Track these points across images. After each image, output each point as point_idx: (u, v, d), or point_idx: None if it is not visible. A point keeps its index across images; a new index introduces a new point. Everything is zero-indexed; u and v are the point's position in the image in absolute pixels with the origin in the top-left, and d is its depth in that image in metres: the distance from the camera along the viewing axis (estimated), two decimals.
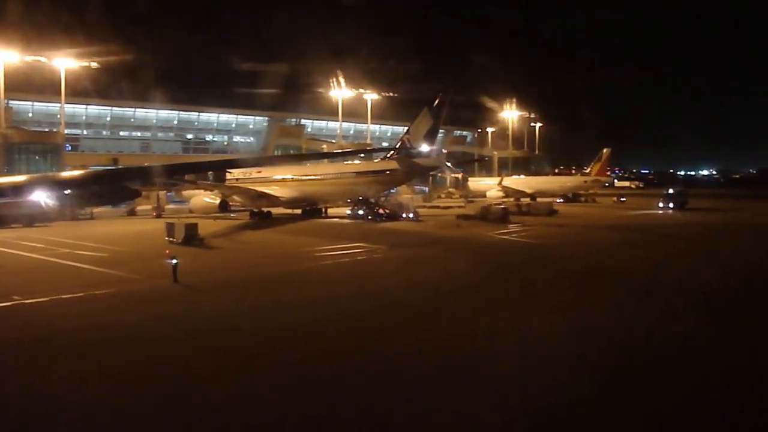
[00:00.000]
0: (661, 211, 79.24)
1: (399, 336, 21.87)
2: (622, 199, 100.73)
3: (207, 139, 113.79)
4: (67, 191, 43.18)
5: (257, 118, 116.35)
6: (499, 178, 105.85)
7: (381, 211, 67.48)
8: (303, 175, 69.26)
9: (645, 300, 27.63)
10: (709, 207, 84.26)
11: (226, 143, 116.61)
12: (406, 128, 70.12)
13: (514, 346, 20.43)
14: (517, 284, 32.15)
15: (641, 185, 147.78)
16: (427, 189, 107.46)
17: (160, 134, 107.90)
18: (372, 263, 39.31)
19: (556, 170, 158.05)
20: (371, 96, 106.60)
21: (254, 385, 17.07)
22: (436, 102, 65.69)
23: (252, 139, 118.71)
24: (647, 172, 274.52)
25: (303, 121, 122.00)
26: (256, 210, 69.95)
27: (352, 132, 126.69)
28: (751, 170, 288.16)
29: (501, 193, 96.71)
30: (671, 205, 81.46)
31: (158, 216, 71.44)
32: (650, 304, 26.91)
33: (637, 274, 35.52)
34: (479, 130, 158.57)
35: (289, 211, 71.92)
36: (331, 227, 61.52)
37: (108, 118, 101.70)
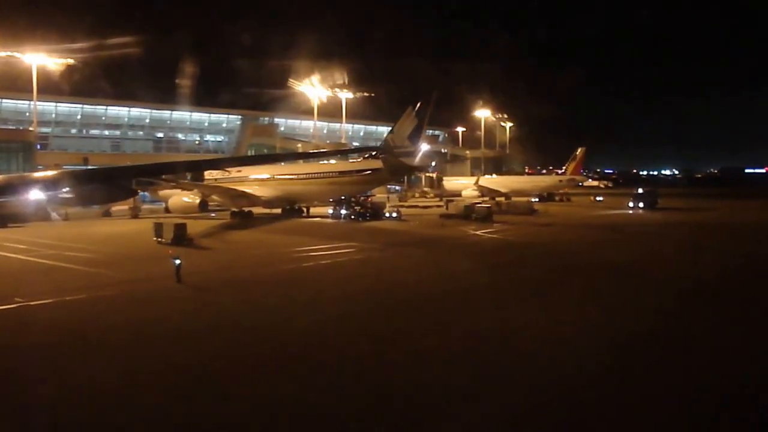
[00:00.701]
0: (631, 211, 79.73)
1: (433, 327, 21.96)
2: (599, 198, 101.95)
3: (179, 137, 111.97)
4: (64, 190, 42.34)
5: (230, 116, 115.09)
6: (475, 178, 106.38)
7: (364, 210, 67.46)
8: (285, 174, 68.59)
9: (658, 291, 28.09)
10: (679, 207, 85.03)
11: (197, 142, 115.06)
12: (390, 127, 70.07)
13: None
14: (517, 282, 32.24)
15: (610, 185, 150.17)
16: (399, 188, 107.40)
17: (131, 133, 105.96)
18: (371, 262, 39.14)
19: (527, 170, 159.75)
20: (345, 95, 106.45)
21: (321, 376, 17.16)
22: (421, 102, 65.74)
23: (223, 138, 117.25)
24: (611, 172, 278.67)
25: (276, 120, 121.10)
26: (236, 210, 69.17)
27: (325, 131, 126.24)
28: (712, 170, 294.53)
29: (477, 193, 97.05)
30: (641, 204, 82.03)
31: (135, 216, 70.17)
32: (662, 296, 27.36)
33: (639, 269, 36.09)
34: (451, 130, 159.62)
35: (267, 210, 71.17)
36: (317, 227, 61.16)
37: (78, 116, 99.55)
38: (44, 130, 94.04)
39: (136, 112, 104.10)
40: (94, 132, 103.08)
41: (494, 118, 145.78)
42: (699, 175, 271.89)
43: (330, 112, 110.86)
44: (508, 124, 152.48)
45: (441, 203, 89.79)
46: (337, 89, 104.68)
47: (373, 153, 66.65)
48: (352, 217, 66.72)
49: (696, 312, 25.37)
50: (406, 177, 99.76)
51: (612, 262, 38.92)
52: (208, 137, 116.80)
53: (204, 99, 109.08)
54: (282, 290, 29.57)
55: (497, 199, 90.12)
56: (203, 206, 66.90)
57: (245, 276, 33.48)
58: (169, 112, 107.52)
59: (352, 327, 23.02)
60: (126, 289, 29.44)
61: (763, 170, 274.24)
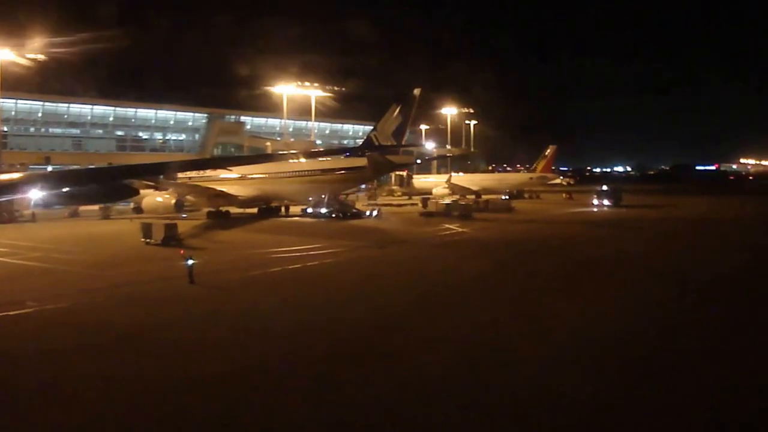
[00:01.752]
0: (596, 208, 79.53)
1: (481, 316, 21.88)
2: (569, 195, 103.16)
3: (143, 136, 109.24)
4: (65, 189, 41.05)
5: (196, 114, 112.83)
6: (444, 176, 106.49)
7: (345, 209, 67.10)
8: (263, 173, 67.34)
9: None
10: (643, 203, 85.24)
11: (161, 141, 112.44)
12: (373, 126, 69.51)
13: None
14: (538, 275, 32.36)
15: (572, 182, 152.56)
16: (363, 186, 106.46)
17: (94, 131, 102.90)
18: (376, 259, 39.18)
19: (490, 167, 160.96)
20: (315, 92, 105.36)
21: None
22: (406, 99, 65.42)
23: (184, 136, 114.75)
24: (566, 169, 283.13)
25: (242, 118, 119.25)
26: (213, 209, 67.81)
27: (291, 129, 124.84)
28: (663, 167, 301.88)
29: (447, 191, 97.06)
30: (606, 201, 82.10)
31: (106, 217, 68.01)
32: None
33: (651, 262, 36.74)
34: (415, 127, 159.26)
35: (240, 210, 69.88)
36: (301, 226, 60.51)
37: (39, 114, 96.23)
38: (2, 128, 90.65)
39: (100, 109, 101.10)
40: (56, 130, 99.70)
41: (461, 115, 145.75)
42: (652, 172, 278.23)
43: (294, 109, 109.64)
44: (473, 122, 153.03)
45: (411, 202, 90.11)
46: (305, 87, 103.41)
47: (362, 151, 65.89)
48: (333, 216, 66.17)
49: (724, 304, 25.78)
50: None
51: (621, 255, 39.84)
52: (173, 136, 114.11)
53: (169, 96, 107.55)
54: (308, 288, 29.32)
55: (468, 196, 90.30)
56: (179, 206, 65.29)
57: (256, 275, 32.80)
58: (134, 109, 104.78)
59: (397, 318, 23.07)
60: (143, 290, 28.51)
61: (713, 167, 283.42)
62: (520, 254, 41.36)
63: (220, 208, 68.05)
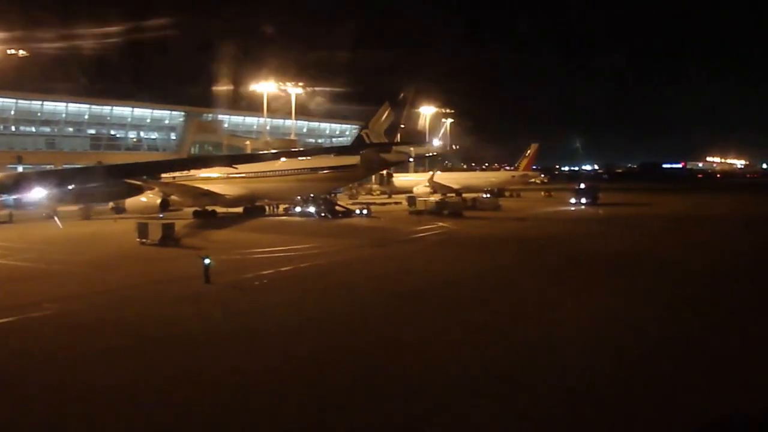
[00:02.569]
0: (573, 207, 78.02)
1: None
2: (548, 193, 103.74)
3: (118, 135, 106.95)
4: (71, 187, 40.17)
5: (173, 112, 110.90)
6: (424, 174, 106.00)
7: (334, 208, 66.62)
8: (251, 171, 66.22)
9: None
10: (621, 202, 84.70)
11: (136, 140, 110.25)
12: (360, 125, 69.07)
13: None
14: (560, 271, 32.27)
15: (546, 180, 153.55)
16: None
17: (68, 129, 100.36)
18: (384, 257, 38.96)
19: (464, 165, 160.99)
20: (295, 90, 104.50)
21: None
22: (399, 98, 65.27)
23: (158, 135, 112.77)
24: (535, 168, 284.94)
25: (219, 117, 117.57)
26: (199, 209, 66.62)
27: (268, 128, 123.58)
28: (630, 165, 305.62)
29: (429, 189, 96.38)
30: (584, 200, 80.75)
31: (87, 218, 66.01)
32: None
33: (644, 258, 36.77)
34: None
35: (224, 210, 68.84)
36: (294, 225, 59.83)
37: (12, 112, 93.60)
38: None
39: (75, 107, 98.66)
40: (28, 129, 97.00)
41: (437, 114, 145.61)
42: (620, 170, 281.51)
43: (272, 108, 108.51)
44: (449, 120, 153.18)
45: (393, 200, 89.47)
46: (286, 85, 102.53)
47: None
48: (322, 215, 65.56)
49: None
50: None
51: (624, 252, 40.06)
52: (151, 134, 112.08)
53: (145, 94, 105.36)
54: (331, 283, 29.53)
55: (448, 195, 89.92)
56: (164, 206, 63.98)
57: (270, 274, 32.13)
58: (110, 107, 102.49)
59: (433, 305, 23.52)
60: (160, 290, 27.80)
61: (680, 165, 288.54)
62: (526, 251, 41.40)
63: (207, 208, 66.96)
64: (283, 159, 65.81)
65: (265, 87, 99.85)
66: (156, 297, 26.71)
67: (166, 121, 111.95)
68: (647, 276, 31.13)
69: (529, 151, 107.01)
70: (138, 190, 59.79)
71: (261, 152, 76.69)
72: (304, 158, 65.96)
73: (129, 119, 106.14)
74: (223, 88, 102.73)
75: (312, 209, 66.48)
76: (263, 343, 19.90)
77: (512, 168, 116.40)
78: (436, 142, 67.62)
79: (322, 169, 64.31)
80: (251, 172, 66.75)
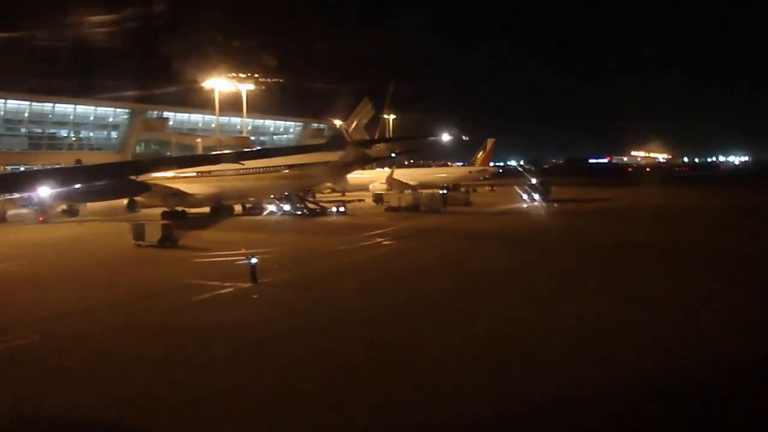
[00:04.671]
0: (525, 205, 74.38)
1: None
2: (492, 188, 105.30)
3: (60, 133, 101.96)
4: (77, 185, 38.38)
5: (117, 110, 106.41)
6: (377, 171, 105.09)
7: (313, 206, 65.66)
8: (224, 170, 64.03)
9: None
10: (570, 198, 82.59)
11: (74, 138, 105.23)
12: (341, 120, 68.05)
13: None
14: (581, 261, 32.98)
15: (487, 176, 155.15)
16: None
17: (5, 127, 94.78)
18: (411, 250, 39.61)
19: (406, 162, 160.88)
20: (247, 86, 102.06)
21: None
22: (379, 92, 64.65)
23: (97, 133, 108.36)
24: (461, 164, 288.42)
25: (165, 114, 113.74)
26: (168, 209, 64.04)
27: (213, 125, 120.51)
28: (554, 160, 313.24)
29: (385, 186, 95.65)
30: (537, 197, 77.41)
31: (45, 221, 62.19)
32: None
33: (661, 247, 38.21)
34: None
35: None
36: (280, 224, 58.93)
37: None
38: None
39: (14, 104, 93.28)
40: None
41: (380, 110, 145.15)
42: (546, 166, 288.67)
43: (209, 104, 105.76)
44: (392, 116, 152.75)
45: (347, 198, 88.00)
46: (237, 81, 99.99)
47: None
48: (298, 213, 64.41)
49: None
50: None
51: (634, 243, 41.17)
52: (93, 132, 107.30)
53: (88, 91, 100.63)
54: (373, 274, 30.26)
55: (405, 191, 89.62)
56: (132, 206, 61.24)
57: (312, 271, 31.69)
58: (51, 104, 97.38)
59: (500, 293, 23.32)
60: (215, 294, 26.46)
61: (606, 160, 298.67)
62: (533, 243, 42.16)
63: (176, 208, 64.51)
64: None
65: (216, 83, 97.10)
66: (222, 299, 25.70)
67: (110, 119, 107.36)
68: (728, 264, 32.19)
69: (487, 146, 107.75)
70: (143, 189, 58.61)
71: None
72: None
73: (71, 117, 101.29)
74: (169, 84, 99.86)
75: (286, 208, 65.24)
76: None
77: (466, 164, 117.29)
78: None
79: (300, 166, 62.74)
80: (223, 171, 64.75)
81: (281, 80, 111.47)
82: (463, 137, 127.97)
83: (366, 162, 69.65)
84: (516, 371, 16.51)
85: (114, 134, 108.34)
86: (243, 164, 51.41)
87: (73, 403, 14.86)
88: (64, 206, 65.53)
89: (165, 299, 25.49)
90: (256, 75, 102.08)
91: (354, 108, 71.40)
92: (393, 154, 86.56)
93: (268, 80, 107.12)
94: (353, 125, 64.02)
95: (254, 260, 28.20)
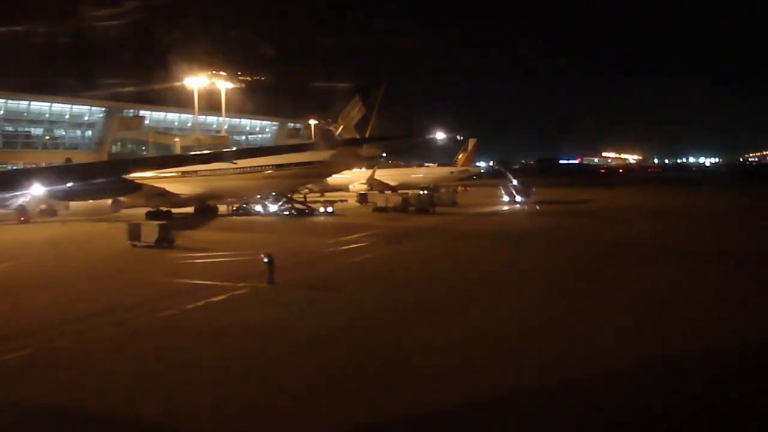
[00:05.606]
0: (507, 206, 73.42)
1: None
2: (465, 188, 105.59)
3: (34, 131, 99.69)
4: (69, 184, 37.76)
5: (93, 108, 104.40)
6: (360, 171, 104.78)
7: (300, 206, 65.31)
8: (211, 169, 63.03)
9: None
10: (554, 199, 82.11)
11: (47, 137, 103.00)
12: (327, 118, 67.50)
13: None
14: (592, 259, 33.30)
15: (470, 177, 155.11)
16: None
17: None
18: (413, 251, 39.44)
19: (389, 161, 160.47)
20: (226, 85, 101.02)
21: None
22: (370, 90, 64.21)
23: (78, 132, 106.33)
24: (430, 165, 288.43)
25: (141, 113, 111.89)
26: (153, 209, 62.91)
27: (189, 125, 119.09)
28: (523, 161, 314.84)
29: (365, 186, 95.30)
30: (518, 197, 76.06)
31: (26, 221, 60.56)
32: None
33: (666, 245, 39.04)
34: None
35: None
36: (271, 224, 58.33)
37: None
38: None
39: None
40: None
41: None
42: (516, 166, 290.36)
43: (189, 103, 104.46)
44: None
45: (327, 199, 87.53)
46: (216, 79, 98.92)
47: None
48: (286, 213, 63.97)
49: None
50: None
51: (634, 242, 41.68)
52: (65, 131, 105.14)
53: (62, 89, 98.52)
54: (390, 275, 30.09)
55: (385, 192, 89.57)
56: (116, 206, 60.14)
57: (328, 271, 31.70)
58: (27, 102, 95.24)
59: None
60: (235, 294, 25.92)
61: (576, 161, 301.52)
62: (534, 242, 42.57)
63: (161, 208, 63.43)
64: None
65: (195, 82, 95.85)
66: (246, 299, 25.38)
67: (86, 118, 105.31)
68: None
69: (468, 146, 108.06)
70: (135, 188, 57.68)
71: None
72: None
73: (47, 115, 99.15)
74: (146, 82, 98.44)
75: (273, 208, 64.74)
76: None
77: (440, 164, 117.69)
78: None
79: (288, 166, 62.09)
80: (209, 169, 63.84)
81: (260, 78, 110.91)
82: (458, 136, 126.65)
83: (357, 162, 69.29)
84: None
85: (89, 133, 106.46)
86: (236, 163, 50.79)
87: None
88: (43, 206, 64.22)
89: (184, 300, 24.88)
90: (237, 73, 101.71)
91: (334, 107, 70.97)
92: (384, 155, 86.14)
93: (246, 79, 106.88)
94: (342, 126, 63.61)
95: (266, 259, 27.78)
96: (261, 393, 15.35)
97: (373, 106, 64.45)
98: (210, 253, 38.23)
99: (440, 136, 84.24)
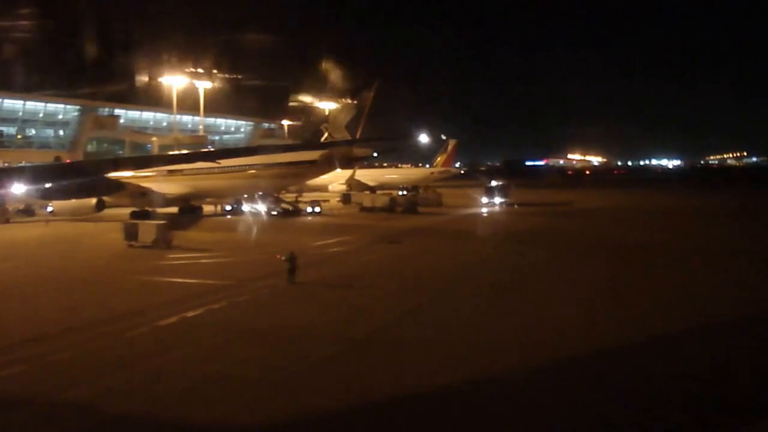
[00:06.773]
0: (486, 209, 72.63)
1: None
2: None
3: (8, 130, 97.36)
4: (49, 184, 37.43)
5: (68, 106, 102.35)
6: (348, 172, 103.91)
7: (287, 206, 65.05)
8: (197, 167, 62.04)
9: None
10: (531, 201, 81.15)
11: (19, 136, 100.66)
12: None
13: None
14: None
15: (449, 177, 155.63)
16: None
17: None
18: (420, 250, 39.78)
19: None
20: (204, 84, 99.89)
21: None
22: (360, 91, 64.21)
23: (51, 131, 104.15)
24: (409, 165, 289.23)
25: (116, 111, 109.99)
26: (138, 209, 61.95)
27: (165, 124, 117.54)
28: (489, 163, 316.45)
29: (344, 187, 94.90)
30: (497, 199, 75.99)
31: (6, 221, 59.20)
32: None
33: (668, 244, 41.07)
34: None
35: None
36: (262, 224, 57.36)
37: None
38: None
39: None
40: None
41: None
42: (483, 168, 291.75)
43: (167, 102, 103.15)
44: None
45: (319, 198, 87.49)
46: (193, 78, 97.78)
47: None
48: (274, 213, 63.51)
49: None
50: None
51: (631, 241, 42.82)
52: (38, 130, 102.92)
53: (36, 87, 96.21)
54: (408, 274, 30.44)
55: (365, 192, 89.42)
56: (100, 206, 59.07)
57: (340, 271, 31.80)
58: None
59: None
60: (253, 297, 25.92)
61: (542, 162, 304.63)
62: (532, 243, 43.16)
63: (146, 208, 62.51)
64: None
65: (173, 80, 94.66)
66: (274, 298, 25.70)
67: (60, 116, 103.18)
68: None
69: (449, 148, 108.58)
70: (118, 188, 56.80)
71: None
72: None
73: (20, 113, 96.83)
74: (121, 81, 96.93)
75: (260, 208, 64.28)
76: None
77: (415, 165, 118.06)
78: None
79: (280, 164, 61.56)
80: (195, 169, 62.95)
81: (237, 77, 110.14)
82: (442, 137, 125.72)
83: (349, 162, 68.97)
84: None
85: (61, 132, 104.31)
86: (219, 163, 50.33)
87: None
88: (20, 206, 62.91)
89: (210, 300, 24.75)
90: (214, 72, 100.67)
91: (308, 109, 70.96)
92: (375, 154, 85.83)
93: (223, 77, 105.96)
94: (334, 124, 63.51)
95: (284, 258, 27.80)
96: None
97: (365, 106, 64.42)
98: (212, 254, 38.22)
99: (425, 137, 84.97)
